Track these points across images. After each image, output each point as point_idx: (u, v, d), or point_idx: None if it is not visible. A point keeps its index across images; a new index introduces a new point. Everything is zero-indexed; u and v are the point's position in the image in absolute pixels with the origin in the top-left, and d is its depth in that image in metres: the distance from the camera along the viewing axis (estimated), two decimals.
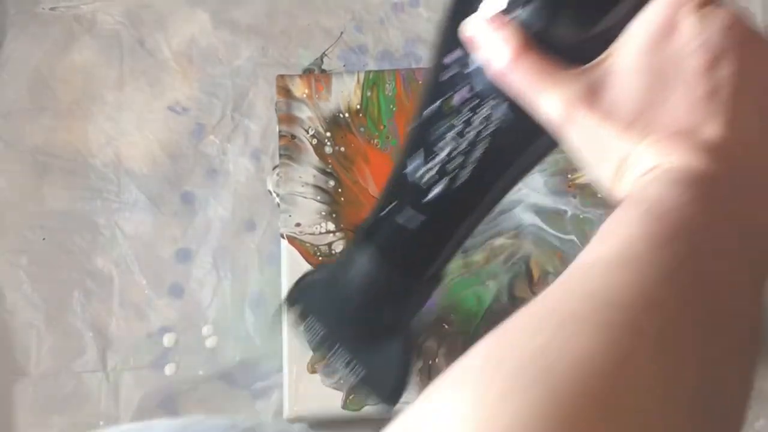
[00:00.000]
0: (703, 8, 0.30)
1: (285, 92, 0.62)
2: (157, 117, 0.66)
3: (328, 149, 0.61)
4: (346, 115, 0.62)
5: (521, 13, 0.32)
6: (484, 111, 0.36)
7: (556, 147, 0.36)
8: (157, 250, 0.63)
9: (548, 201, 0.60)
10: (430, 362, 0.57)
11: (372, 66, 0.67)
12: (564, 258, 0.59)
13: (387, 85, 0.63)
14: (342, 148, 0.62)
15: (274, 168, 0.64)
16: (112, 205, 0.64)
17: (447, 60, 0.36)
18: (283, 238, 0.60)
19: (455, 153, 0.38)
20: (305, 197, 0.61)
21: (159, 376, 0.60)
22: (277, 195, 0.62)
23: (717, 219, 0.28)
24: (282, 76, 0.63)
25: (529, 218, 0.59)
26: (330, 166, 0.61)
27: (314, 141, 0.61)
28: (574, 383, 0.21)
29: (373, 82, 0.63)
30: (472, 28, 0.34)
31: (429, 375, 0.56)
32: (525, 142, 0.37)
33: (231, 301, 0.62)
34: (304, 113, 0.62)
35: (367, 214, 0.44)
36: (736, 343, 0.26)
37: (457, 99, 0.36)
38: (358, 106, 0.62)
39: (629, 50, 0.31)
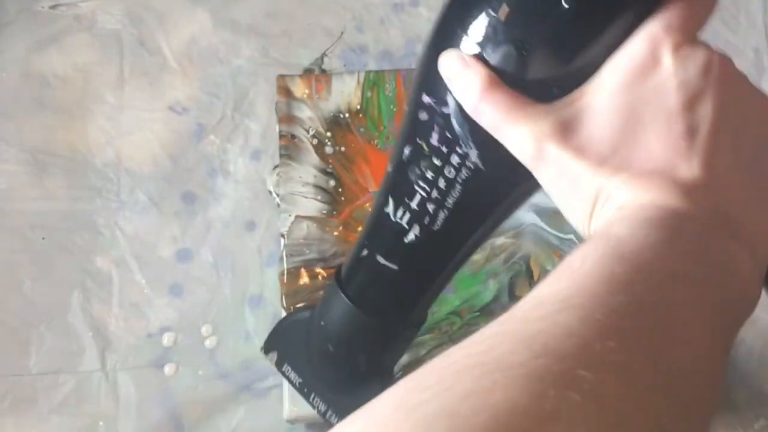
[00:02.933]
0: (683, 47, 0.29)
1: (285, 92, 0.62)
2: (157, 117, 0.66)
3: (328, 149, 0.61)
4: (347, 115, 0.62)
5: (491, 54, 0.32)
6: (460, 153, 0.34)
7: (535, 191, 0.35)
8: (157, 250, 0.63)
9: (548, 200, 0.60)
10: None
11: (372, 66, 0.67)
12: (563, 257, 0.59)
13: (387, 85, 0.63)
14: (342, 148, 0.62)
15: (274, 168, 0.64)
16: (112, 205, 0.64)
17: (425, 99, 0.35)
18: (283, 237, 0.60)
19: (433, 196, 0.36)
20: (305, 197, 0.61)
21: (158, 376, 0.60)
22: (277, 195, 0.62)
23: (684, 264, 0.26)
24: (282, 76, 0.63)
25: (529, 218, 0.59)
26: (330, 166, 0.61)
27: (314, 141, 0.61)
28: None
29: (373, 82, 0.63)
30: (444, 64, 0.33)
31: None
32: (502, 188, 0.36)
33: (231, 301, 0.62)
34: (305, 113, 0.62)
35: (347, 258, 0.42)
36: (691, 410, 0.23)
37: (434, 139, 0.35)
38: (359, 106, 0.62)
39: (605, 88, 0.30)
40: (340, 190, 0.61)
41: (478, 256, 0.59)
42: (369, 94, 0.62)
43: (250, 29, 0.68)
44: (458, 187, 0.35)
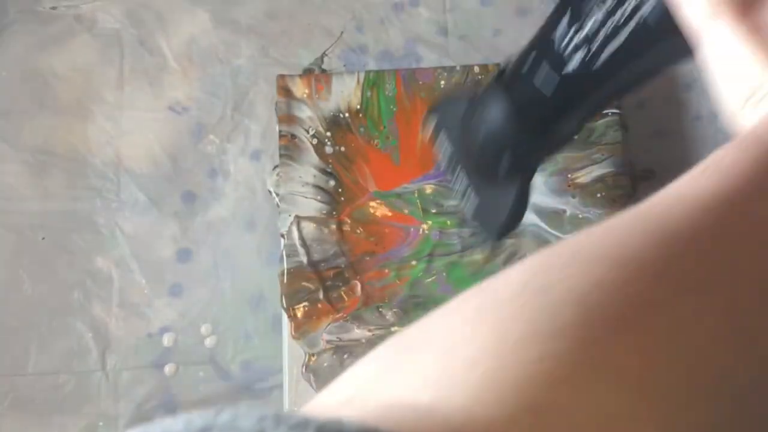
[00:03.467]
0: None
1: (285, 92, 0.62)
2: (157, 117, 0.66)
3: (328, 149, 0.61)
4: (346, 115, 0.62)
5: None
6: (633, 5, 0.37)
7: (686, 61, 0.36)
8: (157, 250, 0.63)
9: (548, 201, 0.60)
10: None
11: (372, 66, 0.67)
12: None
13: (387, 85, 0.63)
14: (342, 148, 0.61)
15: (274, 168, 0.64)
16: (111, 205, 0.64)
17: None
18: (283, 238, 0.60)
19: (601, 32, 0.39)
20: (305, 197, 0.61)
21: (158, 376, 0.60)
22: (277, 195, 0.62)
23: None
24: (282, 76, 0.63)
25: (529, 218, 0.59)
26: (330, 166, 0.61)
27: (314, 141, 0.61)
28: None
29: (373, 82, 0.63)
30: None
31: None
32: (666, 42, 0.37)
33: (231, 301, 0.62)
34: (304, 113, 0.62)
35: (512, 60, 0.46)
36: None
37: None
38: (358, 106, 0.62)
39: None
40: (340, 190, 0.61)
41: (478, 257, 0.59)
42: (369, 94, 0.62)
43: (250, 29, 0.68)
44: (624, 30, 0.39)
